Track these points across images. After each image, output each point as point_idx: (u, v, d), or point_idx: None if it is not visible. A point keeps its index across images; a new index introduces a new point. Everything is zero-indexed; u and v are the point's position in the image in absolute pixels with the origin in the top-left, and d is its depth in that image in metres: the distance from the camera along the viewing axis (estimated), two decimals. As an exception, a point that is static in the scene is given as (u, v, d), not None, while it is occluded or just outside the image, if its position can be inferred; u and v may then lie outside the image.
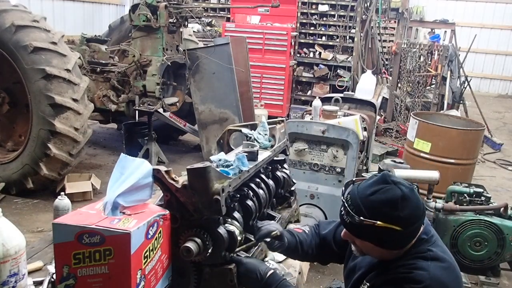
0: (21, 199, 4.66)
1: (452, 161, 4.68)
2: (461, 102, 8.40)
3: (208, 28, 9.00)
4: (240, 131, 2.10)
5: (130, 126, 6.09)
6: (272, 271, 1.57)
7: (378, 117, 6.63)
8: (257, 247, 1.67)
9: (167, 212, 1.44)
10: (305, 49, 9.11)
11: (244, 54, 6.24)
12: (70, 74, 4.45)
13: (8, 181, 4.63)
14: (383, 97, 8.68)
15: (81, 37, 6.02)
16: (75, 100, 4.44)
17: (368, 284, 1.56)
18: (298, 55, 9.07)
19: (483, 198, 3.83)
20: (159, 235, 1.39)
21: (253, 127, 2.15)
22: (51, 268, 1.56)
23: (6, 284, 1.38)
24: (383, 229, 1.42)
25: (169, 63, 5.47)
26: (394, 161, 4.08)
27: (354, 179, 1.60)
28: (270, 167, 1.95)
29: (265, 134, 2.03)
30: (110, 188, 1.41)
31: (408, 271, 1.45)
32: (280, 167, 2.03)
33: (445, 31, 10.54)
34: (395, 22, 10.66)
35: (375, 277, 1.55)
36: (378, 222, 1.41)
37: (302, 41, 9.05)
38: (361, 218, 1.43)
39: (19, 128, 5.06)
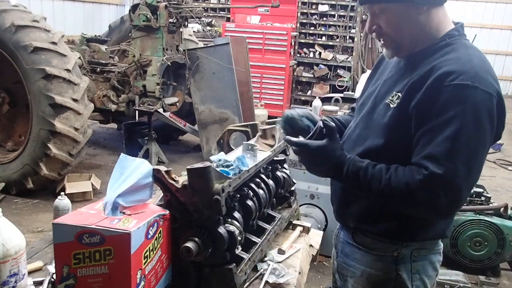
0: (21, 199, 4.66)
1: (452, 161, 4.68)
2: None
3: (208, 28, 9.00)
4: (240, 131, 2.10)
5: (130, 126, 6.10)
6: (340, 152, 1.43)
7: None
8: (257, 246, 1.66)
9: (167, 212, 1.44)
10: (305, 49, 9.11)
11: (244, 54, 6.24)
12: (70, 74, 4.45)
13: (8, 181, 4.64)
14: (383, 97, 8.67)
15: (81, 37, 6.02)
16: (75, 100, 4.44)
17: (399, 93, 1.39)
18: (298, 55, 9.07)
19: (483, 198, 3.83)
20: (159, 235, 1.39)
21: (253, 127, 2.14)
22: (51, 268, 1.55)
23: (6, 284, 1.38)
24: None
25: (169, 63, 5.48)
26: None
27: None
28: (270, 167, 1.95)
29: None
30: (110, 188, 1.41)
31: (439, 66, 1.30)
32: (280, 167, 2.02)
33: (445, 31, 10.52)
34: (395, 22, 10.67)
35: (407, 82, 1.37)
36: None
37: (302, 41, 9.06)
38: None
39: (19, 128, 5.06)
